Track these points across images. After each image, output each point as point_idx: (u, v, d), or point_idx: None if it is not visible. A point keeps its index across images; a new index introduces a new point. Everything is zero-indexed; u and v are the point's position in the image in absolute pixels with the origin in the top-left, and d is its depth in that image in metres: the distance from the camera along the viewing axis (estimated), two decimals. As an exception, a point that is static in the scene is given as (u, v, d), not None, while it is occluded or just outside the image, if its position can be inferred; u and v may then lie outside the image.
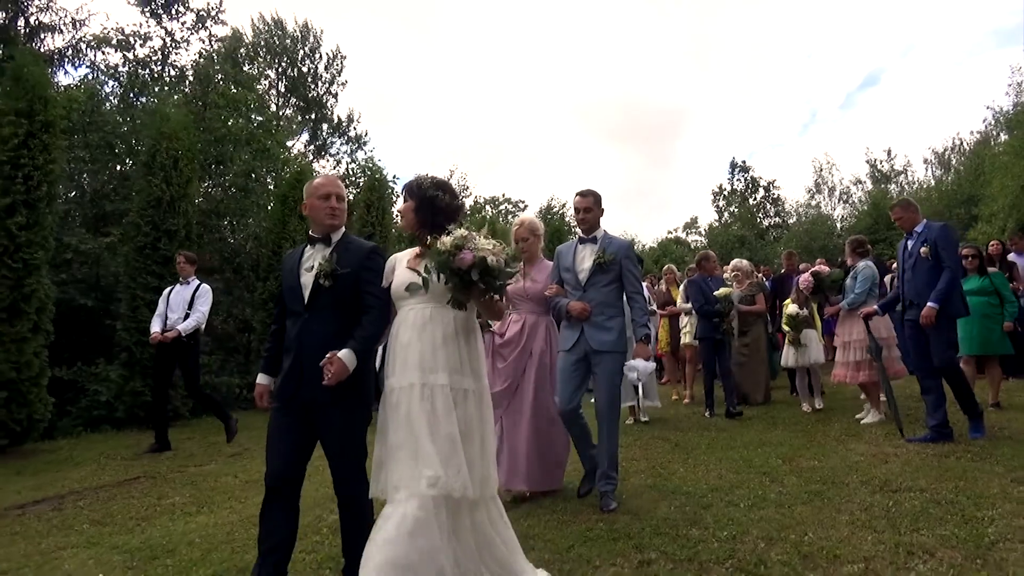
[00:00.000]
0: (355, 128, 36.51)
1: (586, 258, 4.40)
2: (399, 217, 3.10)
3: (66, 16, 16.31)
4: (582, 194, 4.56)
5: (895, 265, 6.05)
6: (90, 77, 15.50)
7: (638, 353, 4.29)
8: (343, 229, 3.27)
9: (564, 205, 37.25)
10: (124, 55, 13.90)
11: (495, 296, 2.84)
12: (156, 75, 12.99)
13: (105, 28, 14.47)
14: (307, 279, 3.10)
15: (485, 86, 65.24)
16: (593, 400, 4.58)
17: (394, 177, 17.55)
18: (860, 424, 6.56)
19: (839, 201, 38.97)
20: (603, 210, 4.57)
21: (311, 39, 36.38)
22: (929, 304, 5.31)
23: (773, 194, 39.29)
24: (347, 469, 3.00)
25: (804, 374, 7.73)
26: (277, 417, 3.08)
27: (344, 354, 2.86)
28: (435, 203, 3.05)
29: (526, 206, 42.76)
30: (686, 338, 9.10)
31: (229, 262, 11.88)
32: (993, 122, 28.18)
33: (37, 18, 16.46)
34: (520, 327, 4.61)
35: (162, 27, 14.43)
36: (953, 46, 55.10)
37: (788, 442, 5.96)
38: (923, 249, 5.47)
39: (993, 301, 6.83)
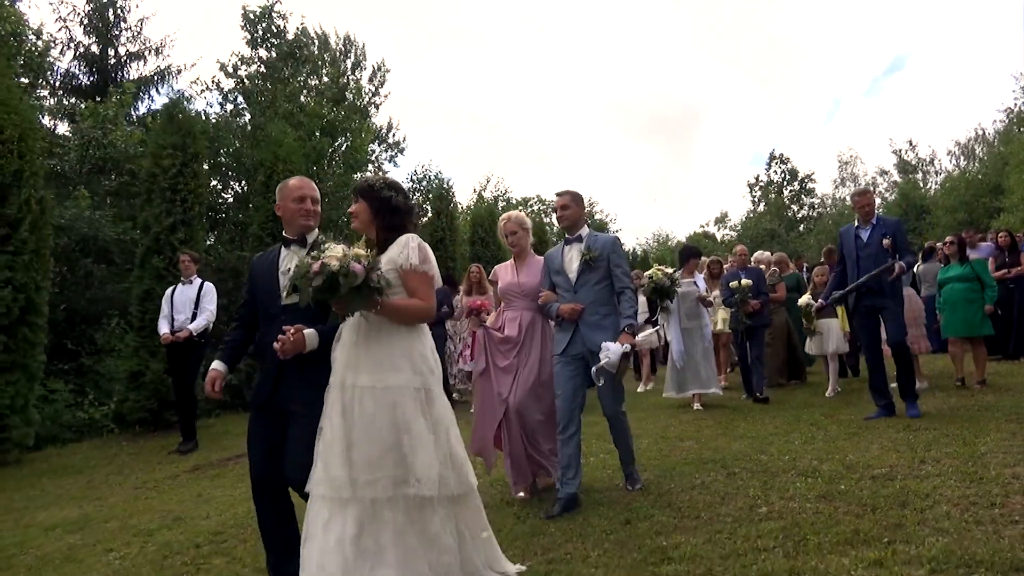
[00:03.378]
0: (393, 135, 38.16)
1: (574, 258, 4.42)
2: (352, 219, 3.10)
3: (150, 44, 18.16)
4: (559, 193, 4.61)
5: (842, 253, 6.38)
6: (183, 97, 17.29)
7: (621, 341, 4.21)
8: (316, 230, 3.34)
9: (546, 202, 38.62)
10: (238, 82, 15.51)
11: (375, 303, 2.75)
12: (254, 97, 14.53)
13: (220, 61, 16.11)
14: (285, 281, 3.14)
15: (509, 88, 66.52)
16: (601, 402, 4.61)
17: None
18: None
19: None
20: (583, 208, 4.59)
21: (354, 52, 37.99)
22: (899, 263, 5.90)
23: (807, 186, 39.93)
24: (302, 472, 2.88)
25: (830, 360, 8.15)
26: (254, 420, 3.22)
27: (309, 332, 2.96)
28: (391, 203, 3.05)
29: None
30: (717, 327, 9.34)
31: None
32: (1007, 120, 28.75)
33: (126, 48, 18.34)
34: (517, 325, 4.61)
35: (258, 56, 16.06)
36: (981, 27, 54.67)
37: (828, 403, 7.32)
38: (885, 241, 6.02)
39: (975, 287, 7.36)
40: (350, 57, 38.62)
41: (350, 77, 38.89)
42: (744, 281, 8.17)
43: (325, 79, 35.13)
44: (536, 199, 45.18)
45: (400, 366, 2.85)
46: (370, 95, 38.79)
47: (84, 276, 10.92)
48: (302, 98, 15.47)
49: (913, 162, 38.10)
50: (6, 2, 10.99)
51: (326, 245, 2.74)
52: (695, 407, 7.84)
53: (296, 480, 2.94)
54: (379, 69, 37.96)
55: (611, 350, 4.14)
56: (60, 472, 6.68)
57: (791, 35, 63.46)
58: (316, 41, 38.19)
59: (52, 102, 16.09)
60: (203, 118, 13.26)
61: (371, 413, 2.77)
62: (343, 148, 18.31)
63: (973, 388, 7.19)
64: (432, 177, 19.12)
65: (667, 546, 3.37)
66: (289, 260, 3.17)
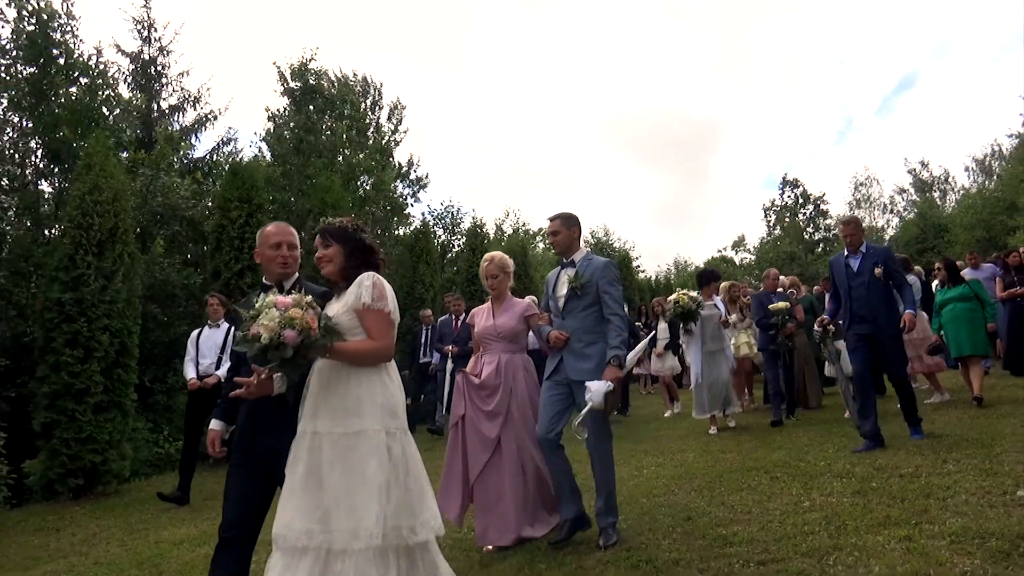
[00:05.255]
0: (415, 171, 39.32)
1: (564, 283, 4.33)
2: (322, 263, 3.02)
3: (189, 95, 19.33)
4: (551, 218, 4.54)
5: (828, 282, 6.52)
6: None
7: (607, 375, 4.03)
8: (296, 275, 3.31)
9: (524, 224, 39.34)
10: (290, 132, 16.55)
11: (308, 365, 2.78)
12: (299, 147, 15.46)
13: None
14: None
15: (526, 118, 67.82)
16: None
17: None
18: (927, 404, 8.00)
19: (882, 212, 39.80)
20: (576, 231, 4.46)
21: (372, 92, 39.36)
22: (909, 311, 6.00)
23: (822, 208, 40.39)
24: None
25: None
26: (234, 467, 3.14)
27: (277, 375, 2.90)
28: (364, 244, 3.04)
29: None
30: (741, 351, 9.49)
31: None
32: (1017, 140, 29.12)
33: (167, 101, 19.53)
34: (495, 368, 4.49)
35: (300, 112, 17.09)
36: (990, 41, 55.00)
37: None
38: (877, 270, 5.99)
39: (975, 306, 7.55)
40: (369, 97, 40.06)
41: (371, 118, 40.35)
42: (783, 304, 8.28)
43: (345, 121, 36.49)
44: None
45: (360, 410, 2.79)
46: (390, 133, 40.17)
47: (151, 319, 11.73)
48: (343, 150, 16.44)
49: (928, 180, 38.50)
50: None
51: (266, 303, 2.67)
52: (730, 424, 8.11)
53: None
54: (396, 107, 39.35)
55: (594, 390, 3.95)
56: (157, 500, 7.36)
57: (799, 56, 64.64)
58: (336, 84, 39.72)
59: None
60: (261, 164, 14.12)
61: (329, 460, 2.73)
62: (371, 190, 19.25)
63: (971, 404, 7.28)
64: (455, 212, 20.05)
65: (727, 535, 3.99)
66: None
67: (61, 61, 10.38)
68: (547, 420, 4.20)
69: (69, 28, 10.62)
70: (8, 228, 10.42)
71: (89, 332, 7.91)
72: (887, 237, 36.52)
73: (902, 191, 39.53)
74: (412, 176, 39.58)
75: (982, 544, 3.33)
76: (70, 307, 7.90)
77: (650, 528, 4.34)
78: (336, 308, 2.90)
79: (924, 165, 38.70)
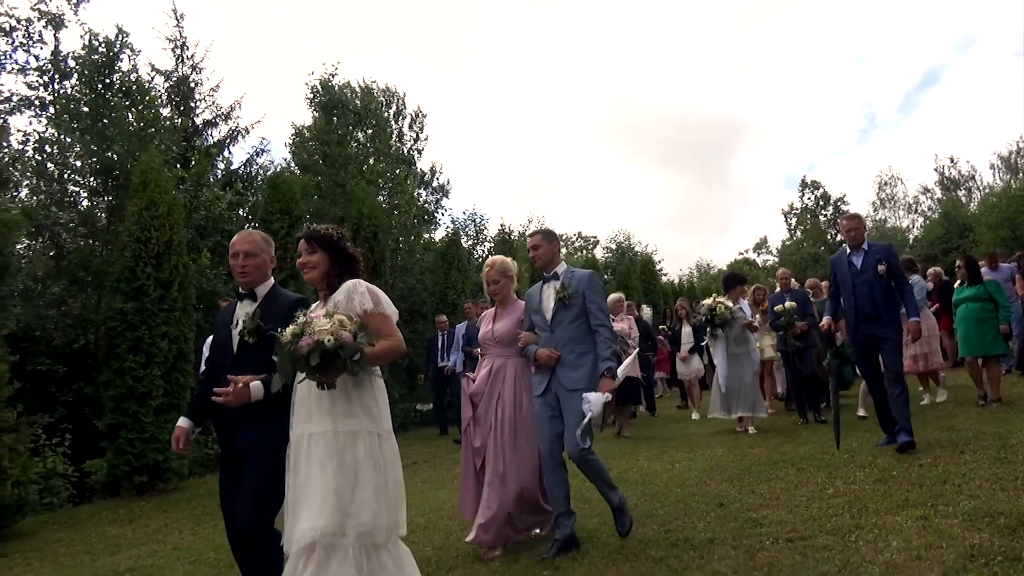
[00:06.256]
0: (437, 179, 39.84)
1: (550, 296, 4.37)
2: (306, 270, 3.08)
3: (222, 110, 20.01)
4: (531, 234, 4.63)
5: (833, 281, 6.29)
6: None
7: (602, 387, 4.11)
8: (271, 282, 3.32)
9: (589, 239, 39.51)
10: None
11: (359, 369, 2.78)
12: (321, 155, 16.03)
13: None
14: (235, 335, 3.19)
15: (545, 123, 68.20)
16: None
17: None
18: (937, 403, 8.40)
19: (907, 212, 39.53)
20: (556, 245, 4.55)
21: (396, 102, 39.98)
22: (912, 319, 5.99)
23: (843, 209, 40.27)
24: (253, 515, 3.06)
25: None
26: (221, 474, 3.29)
27: (254, 384, 2.97)
28: (348, 252, 3.10)
29: (597, 241, 44.89)
30: (766, 352, 9.59)
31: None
32: None
33: (202, 117, 20.26)
34: (487, 372, 4.55)
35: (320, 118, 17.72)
36: (1014, 35, 53.87)
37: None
38: (880, 267, 5.92)
39: (988, 307, 7.65)
40: (392, 106, 40.67)
41: (393, 127, 40.96)
42: (788, 304, 8.37)
43: (368, 131, 37.14)
44: (577, 236, 46.33)
45: (352, 411, 2.87)
46: (412, 142, 40.74)
47: (196, 326, 12.28)
48: (371, 160, 17.02)
49: (955, 178, 38.19)
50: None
51: (304, 319, 2.75)
52: (750, 431, 8.07)
53: (245, 524, 3.06)
54: (418, 115, 39.91)
55: (592, 401, 4.04)
56: (218, 494, 7.85)
57: (818, 54, 64.28)
58: (359, 94, 40.44)
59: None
60: (297, 175, 14.68)
61: (320, 458, 2.80)
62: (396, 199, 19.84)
63: (991, 407, 7.42)
64: (479, 220, 20.61)
65: (757, 517, 4.37)
66: (241, 313, 3.25)
67: (118, 85, 10.99)
68: (550, 439, 4.26)
69: (126, 55, 11.29)
70: (67, 239, 11.03)
71: (150, 339, 8.45)
72: (911, 237, 36.35)
73: (926, 190, 39.33)
74: (435, 183, 40.28)
75: (992, 522, 3.67)
76: (132, 316, 8.45)
77: (685, 513, 4.72)
78: (320, 314, 2.90)
79: (953, 162, 38.44)
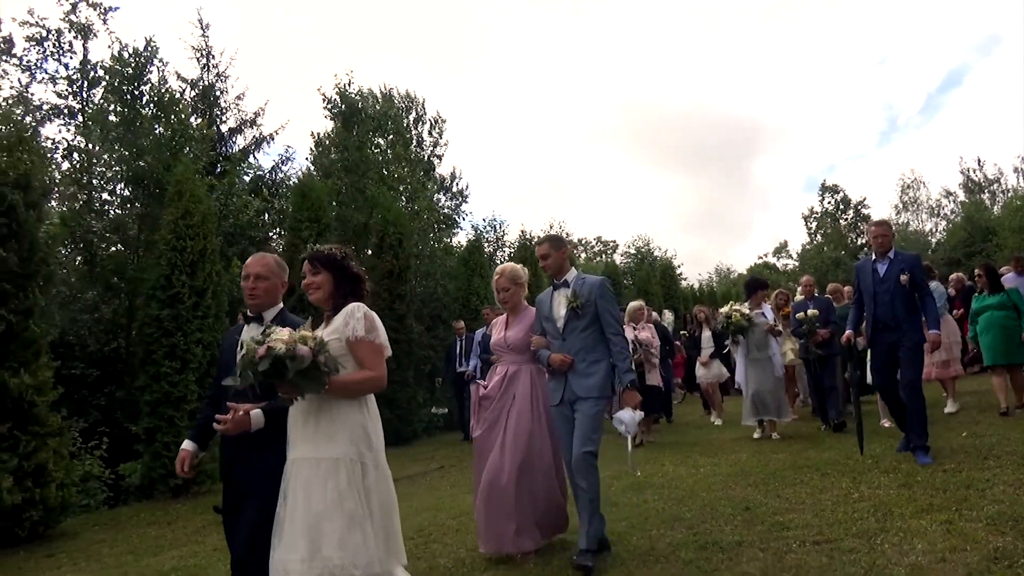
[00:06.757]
0: (457, 184, 40.09)
1: (561, 304, 4.33)
2: (311, 290, 3.05)
3: (246, 117, 20.38)
4: (538, 242, 4.58)
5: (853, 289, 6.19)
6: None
7: (626, 401, 4.06)
8: (279, 306, 3.28)
9: (609, 244, 39.41)
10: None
11: (322, 385, 2.71)
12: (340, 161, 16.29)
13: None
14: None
15: (563, 128, 68.31)
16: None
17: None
18: (945, 412, 8.20)
19: (929, 215, 39.08)
20: (565, 252, 4.50)
21: (416, 107, 40.29)
22: (932, 332, 5.93)
23: (863, 213, 39.95)
24: (248, 551, 2.97)
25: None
26: (223, 498, 3.22)
27: (255, 412, 2.90)
28: (352, 272, 3.08)
29: (616, 246, 44.86)
30: (787, 356, 9.38)
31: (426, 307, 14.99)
32: None
33: (227, 124, 20.64)
34: (501, 378, 4.53)
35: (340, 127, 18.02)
36: None
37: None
38: (903, 277, 5.82)
39: (1011, 315, 7.63)
40: (412, 112, 40.98)
41: (413, 133, 41.25)
42: (811, 312, 8.34)
43: (389, 136, 37.50)
44: (597, 240, 46.34)
45: (335, 437, 2.81)
46: (432, 147, 41.02)
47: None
48: (392, 166, 17.29)
49: (980, 181, 37.71)
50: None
51: (271, 328, 2.76)
52: (773, 436, 8.06)
53: (239, 556, 3.01)
54: (437, 121, 40.19)
55: (626, 420, 4.06)
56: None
57: (838, 56, 63.80)
58: (379, 100, 40.77)
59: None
60: (323, 183, 14.97)
61: (303, 485, 2.76)
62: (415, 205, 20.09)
63: (1015, 413, 7.36)
64: (499, 226, 20.78)
65: (783, 521, 4.48)
66: (246, 337, 3.16)
67: (147, 96, 11.32)
68: (571, 446, 4.21)
69: (155, 67, 11.62)
70: (102, 245, 11.37)
71: (185, 345, 8.72)
72: (934, 241, 35.98)
73: (948, 194, 38.90)
74: (455, 188, 40.52)
75: (1015, 525, 3.77)
76: (168, 322, 8.73)
77: (712, 517, 4.83)
78: (323, 335, 2.87)
79: (980, 165, 37.94)
